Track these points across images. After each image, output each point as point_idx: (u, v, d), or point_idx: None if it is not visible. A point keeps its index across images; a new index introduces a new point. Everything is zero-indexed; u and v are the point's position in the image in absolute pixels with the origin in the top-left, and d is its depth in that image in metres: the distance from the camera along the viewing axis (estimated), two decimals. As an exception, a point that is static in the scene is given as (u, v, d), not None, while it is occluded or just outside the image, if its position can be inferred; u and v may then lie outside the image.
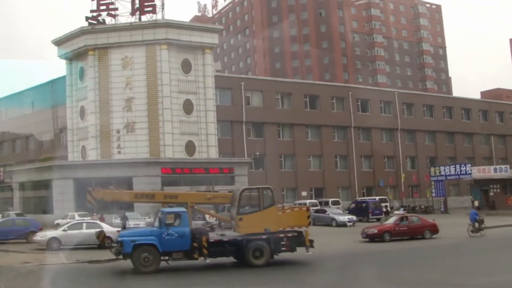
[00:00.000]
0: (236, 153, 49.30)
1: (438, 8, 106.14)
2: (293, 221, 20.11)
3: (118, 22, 46.94)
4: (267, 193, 20.26)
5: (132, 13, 46.73)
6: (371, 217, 41.01)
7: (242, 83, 50.60)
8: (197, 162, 45.49)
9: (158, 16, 46.50)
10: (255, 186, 21.31)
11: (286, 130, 53.39)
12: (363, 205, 43.18)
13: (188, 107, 47.08)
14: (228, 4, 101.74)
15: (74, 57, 48.95)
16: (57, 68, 79.50)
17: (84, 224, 26.81)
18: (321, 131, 54.75)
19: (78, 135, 48.24)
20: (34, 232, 28.11)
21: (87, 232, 25.42)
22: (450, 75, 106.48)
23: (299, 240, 19.97)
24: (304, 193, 51.95)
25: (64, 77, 50.44)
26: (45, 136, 53.57)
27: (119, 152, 45.71)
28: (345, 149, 55.70)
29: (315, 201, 46.06)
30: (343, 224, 36.90)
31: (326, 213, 38.71)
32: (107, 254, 20.90)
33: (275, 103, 52.66)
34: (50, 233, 26.49)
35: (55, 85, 53.23)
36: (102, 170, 40.96)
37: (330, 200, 47.50)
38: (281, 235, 19.78)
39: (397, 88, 75.27)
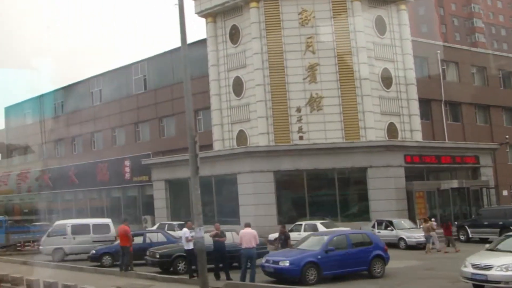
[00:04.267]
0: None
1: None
2: None
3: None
4: None
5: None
6: None
7: (438, 51, 38.85)
8: (444, 148, 34.33)
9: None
10: None
11: (481, 113, 41.87)
12: None
13: (386, 79, 35.28)
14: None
15: (221, 13, 36.78)
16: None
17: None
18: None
19: (231, 116, 35.96)
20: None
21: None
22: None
23: None
24: (504, 193, 40.37)
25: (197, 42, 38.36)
26: (171, 120, 40.78)
27: (300, 138, 33.59)
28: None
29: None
30: None
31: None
32: None
33: (471, 79, 41.15)
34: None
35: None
36: (317, 159, 29.44)
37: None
38: None
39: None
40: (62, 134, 49.31)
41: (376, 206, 30.26)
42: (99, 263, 21.97)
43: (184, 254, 18.49)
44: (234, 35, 36.22)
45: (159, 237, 22.86)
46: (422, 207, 31.11)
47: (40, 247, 25.27)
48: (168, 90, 40.25)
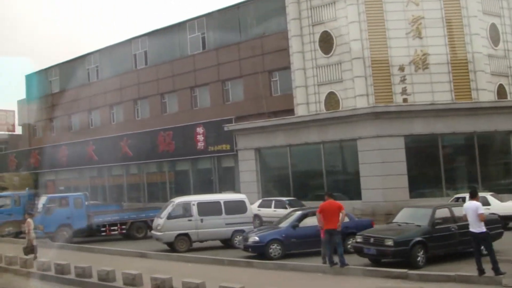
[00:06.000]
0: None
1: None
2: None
3: None
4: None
5: None
6: None
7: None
8: None
9: None
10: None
11: None
12: None
13: (494, 35, 31.49)
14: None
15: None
16: None
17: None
18: None
19: (318, 76, 31.67)
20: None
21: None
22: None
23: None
24: None
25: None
26: (249, 79, 35.60)
27: (404, 100, 29.57)
28: None
29: None
30: None
31: None
32: None
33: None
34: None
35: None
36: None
37: None
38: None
39: None
40: (99, 102, 44.39)
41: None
42: (257, 254, 16.65)
43: (423, 239, 14.07)
44: (321, -16, 31.88)
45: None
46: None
47: (157, 233, 19.94)
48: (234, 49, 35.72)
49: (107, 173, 41.38)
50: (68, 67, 47.84)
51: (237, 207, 20.09)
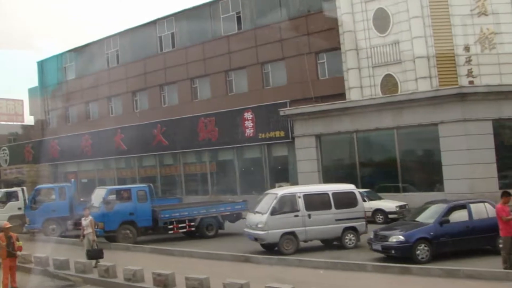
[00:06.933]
0: None
1: None
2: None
3: None
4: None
5: None
6: None
7: None
8: None
9: None
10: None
11: None
12: None
13: None
14: None
15: None
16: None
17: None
18: None
19: (373, 57, 29.26)
20: None
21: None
22: None
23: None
24: None
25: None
26: (292, 62, 32.71)
27: (470, 83, 27.26)
28: None
29: None
30: None
31: None
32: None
33: None
34: None
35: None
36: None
37: None
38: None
39: None
40: (120, 88, 41.75)
41: None
42: (399, 256, 14.15)
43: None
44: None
45: (487, 209, 14.80)
46: None
47: (257, 232, 16.64)
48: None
49: (138, 164, 38.74)
50: (85, 52, 45.05)
51: (347, 200, 17.38)
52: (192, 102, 37.25)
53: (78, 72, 45.71)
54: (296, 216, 16.59)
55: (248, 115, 31.53)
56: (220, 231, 21.89)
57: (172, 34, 38.80)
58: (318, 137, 27.87)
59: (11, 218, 26.15)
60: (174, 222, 21.14)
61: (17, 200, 26.75)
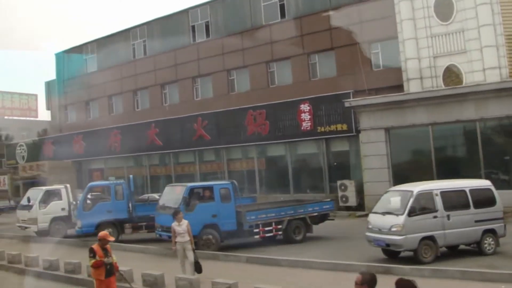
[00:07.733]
0: None
1: None
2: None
3: None
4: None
5: None
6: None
7: None
8: None
9: None
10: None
11: None
12: None
13: None
14: None
15: None
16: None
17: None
18: None
19: (434, 47, 27.43)
20: None
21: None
22: None
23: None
24: None
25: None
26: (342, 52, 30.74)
27: (543, 73, 25.79)
28: None
29: None
30: None
31: None
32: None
33: None
34: None
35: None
36: None
37: None
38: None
39: None
40: (148, 80, 39.82)
41: None
42: None
43: None
44: None
45: None
46: None
47: (392, 237, 14.12)
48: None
49: (174, 160, 36.76)
50: (108, 43, 43.07)
51: (485, 198, 15.04)
52: (229, 95, 35.40)
53: (100, 64, 43.71)
54: (435, 217, 14.30)
55: (305, 107, 29.40)
56: (308, 234, 19.70)
57: (206, 23, 36.93)
58: (388, 130, 26.07)
59: (54, 221, 24.34)
60: (260, 225, 18.62)
61: (60, 199, 24.72)
